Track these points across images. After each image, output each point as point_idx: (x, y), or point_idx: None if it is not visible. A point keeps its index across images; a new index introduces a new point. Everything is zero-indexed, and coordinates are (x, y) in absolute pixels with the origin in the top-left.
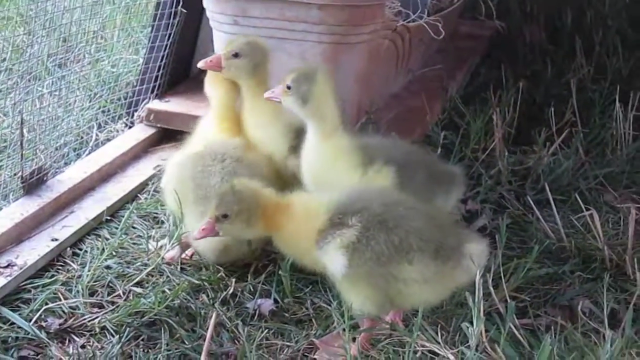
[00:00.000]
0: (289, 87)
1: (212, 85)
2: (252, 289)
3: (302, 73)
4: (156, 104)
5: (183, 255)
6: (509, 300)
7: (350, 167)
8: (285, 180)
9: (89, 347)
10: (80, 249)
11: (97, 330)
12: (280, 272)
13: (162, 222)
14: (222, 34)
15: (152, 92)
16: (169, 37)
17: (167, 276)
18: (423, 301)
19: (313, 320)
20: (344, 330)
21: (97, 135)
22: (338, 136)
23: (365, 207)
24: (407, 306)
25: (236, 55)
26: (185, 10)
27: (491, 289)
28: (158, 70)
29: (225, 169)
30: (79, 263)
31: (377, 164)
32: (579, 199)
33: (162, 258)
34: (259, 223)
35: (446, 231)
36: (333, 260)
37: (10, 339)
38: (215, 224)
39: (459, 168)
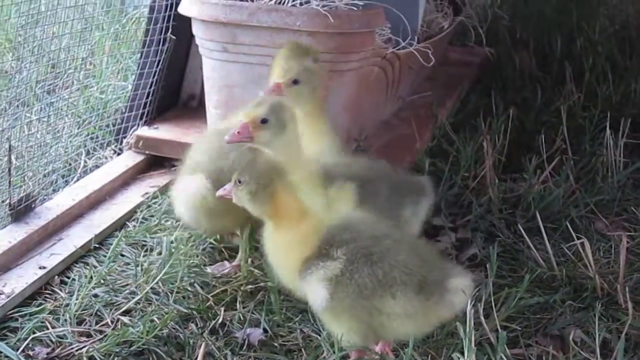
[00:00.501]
0: (264, 121)
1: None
2: (241, 318)
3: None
4: (145, 131)
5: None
6: (499, 330)
7: (312, 191)
8: None
9: None
10: (68, 277)
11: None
12: (271, 297)
13: (151, 250)
14: (211, 61)
15: (141, 118)
16: (158, 63)
17: (156, 305)
18: (406, 335)
19: (302, 350)
20: None
21: (85, 162)
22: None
23: (352, 239)
24: (390, 339)
25: (295, 82)
26: (174, 37)
27: (482, 318)
28: (147, 97)
29: None
30: (66, 291)
31: (337, 183)
32: (569, 227)
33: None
34: (264, 203)
35: (431, 265)
36: (315, 292)
37: None
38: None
39: (427, 178)
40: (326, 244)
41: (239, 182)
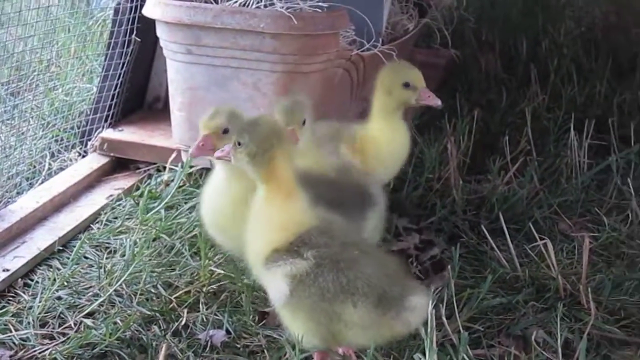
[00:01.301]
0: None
1: None
2: (204, 320)
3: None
4: (110, 133)
5: None
6: (462, 331)
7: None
8: None
9: None
10: (32, 280)
11: None
12: (241, 297)
13: (115, 252)
14: (175, 63)
15: (106, 121)
16: (123, 65)
17: (119, 307)
18: (359, 344)
19: (265, 351)
20: None
21: (50, 164)
22: None
23: (325, 244)
24: (347, 344)
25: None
26: (139, 39)
27: (444, 319)
28: (112, 99)
29: None
30: (30, 294)
31: None
32: (533, 228)
33: None
34: (262, 166)
35: (393, 280)
36: (276, 286)
37: None
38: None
39: (377, 187)
40: (300, 242)
41: (239, 143)
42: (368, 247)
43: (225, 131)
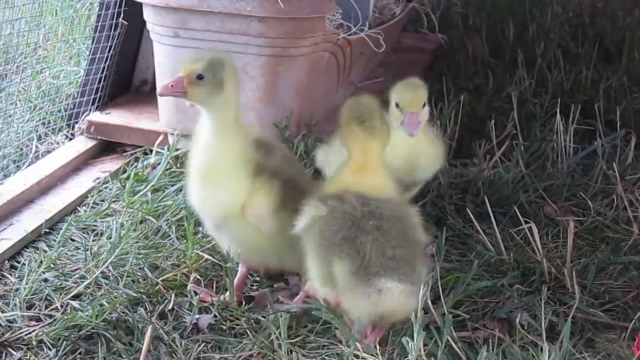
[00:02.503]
0: (200, 77)
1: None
2: (192, 303)
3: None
4: (97, 116)
5: None
6: (446, 314)
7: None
8: None
9: None
10: (18, 262)
11: (34, 344)
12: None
13: (101, 234)
14: (162, 47)
15: (93, 104)
16: (110, 49)
17: (105, 289)
18: (347, 307)
19: (249, 333)
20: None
21: (37, 147)
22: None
23: (353, 207)
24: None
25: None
26: (126, 22)
27: (429, 302)
28: (99, 82)
29: None
30: (16, 276)
31: (263, 177)
32: (518, 212)
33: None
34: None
35: (385, 260)
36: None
37: None
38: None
39: None
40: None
41: (200, 77)
42: (394, 227)
43: (200, 77)
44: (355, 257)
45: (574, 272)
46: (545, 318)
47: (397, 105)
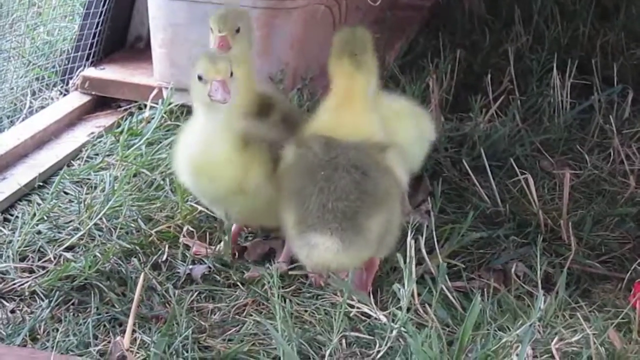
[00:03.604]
0: (238, 30)
1: None
2: (185, 255)
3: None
4: (91, 72)
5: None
6: (441, 262)
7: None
8: None
9: (18, 312)
10: (12, 215)
11: (27, 294)
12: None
13: (95, 187)
14: (156, 1)
15: (87, 59)
16: (104, 3)
17: (99, 240)
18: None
19: (240, 284)
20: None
21: (31, 102)
22: None
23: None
24: None
25: (238, 30)
26: None
27: (424, 252)
28: (93, 38)
29: None
30: (9, 228)
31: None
32: (514, 165)
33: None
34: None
35: (329, 213)
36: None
37: None
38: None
39: None
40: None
41: (237, 30)
42: (346, 177)
43: (238, 30)
44: (299, 209)
45: (570, 224)
46: (541, 269)
47: None
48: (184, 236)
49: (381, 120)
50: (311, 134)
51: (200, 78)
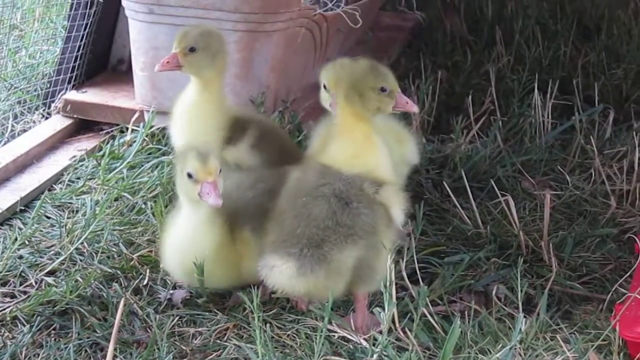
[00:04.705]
0: (192, 49)
1: None
2: (165, 281)
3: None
4: (73, 95)
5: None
6: (421, 285)
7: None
8: None
9: None
10: None
11: (9, 320)
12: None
13: (76, 211)
14: (137, 23)
15: (69, 82)
16: (86, 27)
17: (80, 265)
18: None
19: (220, 310)
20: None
21: (13, 126)
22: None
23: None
24: None
25: (192, 49)
26: (102, 0)
27: (404, 274)
28: (75, 61)
29: None
30: None
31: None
32: (495, 186)
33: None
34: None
35: (291, 238)
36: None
37: None
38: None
39: None
40: None
41: (192, 50)
42: (323, 206)
43: (192, 49)
44: (273, 231)
45: (551, 245)
46: (522, 290)
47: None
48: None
49: (388, 156)
50: (313, 160)
51: (190, 176)
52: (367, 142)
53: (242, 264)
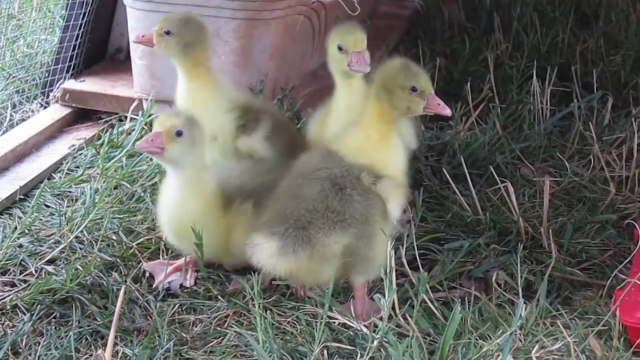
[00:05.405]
0: (167, 32)
1: None
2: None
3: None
4: (71, 84)
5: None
6: (421, 271)
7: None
8: None
9: (0, 326)
10: None
11: (9, 308)
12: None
13: (76, 200)
14: (135, 11)
15: (68, 72)
16: (84, 16)
17: (80, 253)
18: None
19: (221, 297)
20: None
21: (11, 115)
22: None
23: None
24: None
25: (167, 32)
26: None
27: (404, 260)
28: (73, 50)
29: None
30: None
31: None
32: (494, 173)
33: None
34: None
35: (282, 215)
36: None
37: None
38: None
39: None
40: None
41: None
42: (315, 189)
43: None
44: (269, 210)
45: (550, 231)
46: (521, 277)
47: (340, 48)
48: (164, 251)
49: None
50: (320, 145)
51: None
52: (380, 142)
53: (232, 237)
